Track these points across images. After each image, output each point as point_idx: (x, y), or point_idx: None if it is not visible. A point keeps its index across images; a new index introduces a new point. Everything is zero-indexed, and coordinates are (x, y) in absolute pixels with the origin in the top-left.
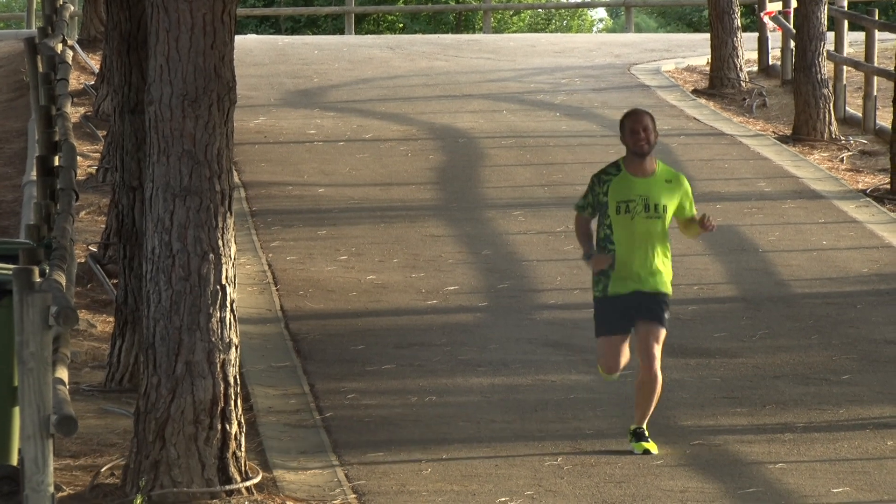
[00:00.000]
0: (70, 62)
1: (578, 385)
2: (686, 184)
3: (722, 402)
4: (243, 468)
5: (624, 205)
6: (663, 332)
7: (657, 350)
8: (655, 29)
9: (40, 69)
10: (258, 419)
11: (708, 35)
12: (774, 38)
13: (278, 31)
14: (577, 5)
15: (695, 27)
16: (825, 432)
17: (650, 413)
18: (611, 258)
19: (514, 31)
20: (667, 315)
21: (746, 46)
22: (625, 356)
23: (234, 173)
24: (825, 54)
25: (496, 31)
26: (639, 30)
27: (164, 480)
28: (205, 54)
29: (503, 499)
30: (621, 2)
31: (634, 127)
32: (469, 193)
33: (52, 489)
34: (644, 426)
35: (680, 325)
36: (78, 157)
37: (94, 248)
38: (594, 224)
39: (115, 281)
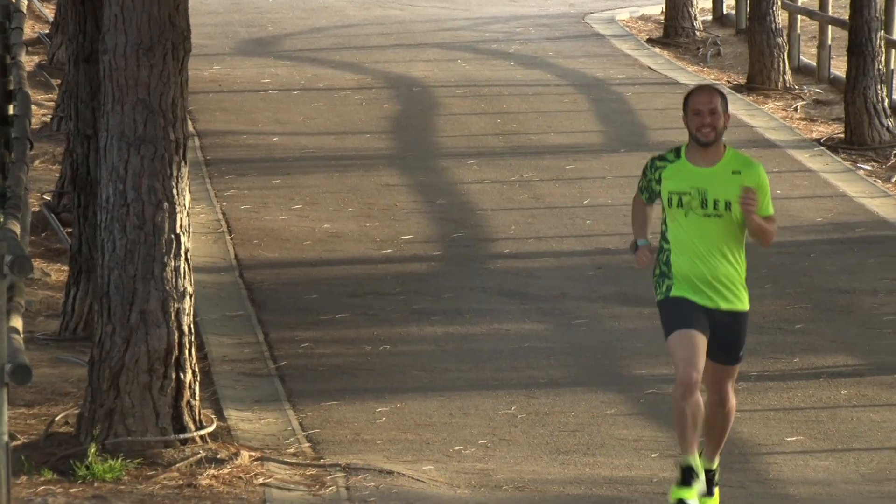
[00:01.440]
0: (24, 11)
1: (532, 334)
2: (762, 176)
3: None
4: (197, 417)
5: (677, 197)
6: (738, 368)
7: (730, 386)
8: None
9: None
10: (212, 368)
11: None
12: None
13: None
14: None
15: None
16: (779, 381)
17: (723, 445)
18: (652, 260)
19: None
20: (744, 348)
21: None
22: (703, 359)
23: (189, 122)
24: (779, 3)
25: None
26: None
27: (119, 429)
28: (159, 3)
29: (457, 447)
30: None
31: (698, 108)
32: (424, 142)
33: (6, 438)
34: (716, 466)
35: (634, 273)
36: (32, 106)
37: (48, 197)
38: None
39: (70, 230)
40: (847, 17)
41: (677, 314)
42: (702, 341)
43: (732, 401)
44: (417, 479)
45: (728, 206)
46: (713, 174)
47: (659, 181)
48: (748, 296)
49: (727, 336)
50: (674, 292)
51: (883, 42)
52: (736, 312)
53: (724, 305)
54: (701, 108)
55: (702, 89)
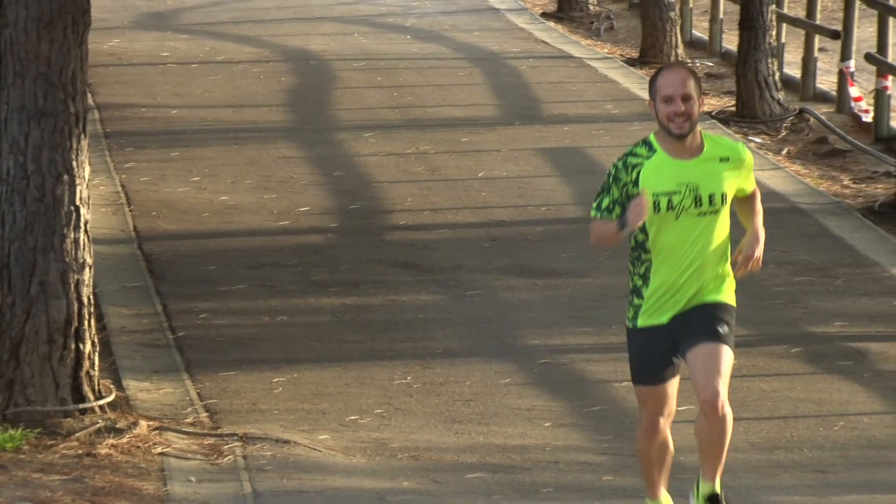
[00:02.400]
0: None
1: (428, 305)
2: (749, 158)
3: (569, 321)
4: (97, 387)
5: (665, 198)
6: (728, 354)
7: (721, 382)
8: None
9: None
10: (111, 339)
11: None
12: None
13: None
14: None
15: None
16: None
17: (722, 464)
18: (648, 202)
19: None
20: (730, 331)
21: None
22: (673, 401)
23: (89, 95)
24: None
25: None
26: None
27: (19, 399)
28: None
29: (353, 417)
30: None
31: (669, 93)
32: (321, 115)
33: None
34: (718, 485)
35: (528, 245)
36: None
37: None
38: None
39: None
40: None
41: (641, 363)
42: (671, 390)
43: (726, 408)
44: (314, 449)
45: (724, 198)
46: (700, 166)
47: (637, 183)
48: (734, 289)
49: (705, 314)
50: (640, 322)
51: (774, 16)
52: (715, 301)
53: (704, 299)
54: (672, 93)
55: (672, 71)
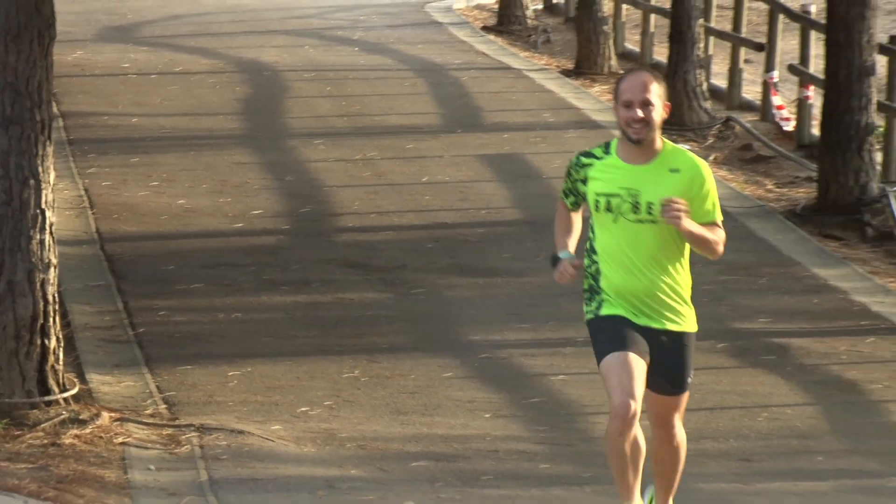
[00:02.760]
0: None
1: (375, 303)
2: (704, 176)
3: (508, 318)
4: (61, 380)
5: (605, 199)
6: (686, 398)
7: (678, 418)
8: None
9: None
10: (75, 335)
11: None
12: None
13: None
14: None
15: None
16: None
17: (676, 486)
18: (574, 275)
19: None
20: (691, 374)
21: None
22: (642, 385)
23: (54, 104)
24: None
25: None
26: None
27: None
28: None
29: (304, 408)
30: None
31: (629, 98)
32: (273, 123)
33: None
34: None
35: (469, 246)
36: None
37: None
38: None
39: None
40: (669, 6)
41: (611, 334)
42: (640, 365)
43: (681, 435)
44: (267, 439)
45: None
46: (647, 173)
47: (585, 181)
48: (694, 314)
49: (669, 361)
50: (605, 310)
51: (702, 29)
52: (679, 334)
53: (664, 326)
54: (632, 98)
55: (634, 76)
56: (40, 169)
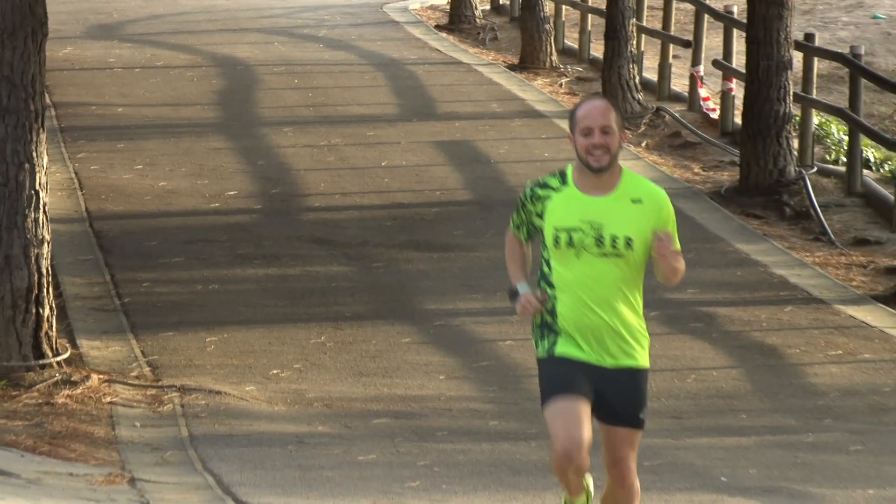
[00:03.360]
0: None
1: (339, 275)
2: (666, 206)
3: (460, 289)
4: (54, 346)
5: (565, 234)
6: (640, 435)
7: (632, 458)
8: None
9: None
10: (67, 304)
11: None
12: None
13: None
14: None
15: None
16: None
17: None
18: (539, 307)
19: None
20: (645, 410)
21: None
22: (588, 430)
23: (46, 95)
24: None
25: None
26: None
27: None
28: None
29: (275, 371)
30: None
31: (588, 125)
32: (246, 113)
33: None
34: None
35: (424, 224)
36: None
37: None
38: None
39: None
40: (604, 7)
41: (557, 379)
42: (585, 409)
43: (633, 479)
44: (241, 398)
45: (629, 243)
46: (609, 205)
47: (542, 215)
48: (648, 347)
49: (623, 396)
50: (558, 350)
51: (635, 28)
52: (634, 370)
53: (619, 362)
54: (591, 125)
55: (592, 103)
56: (34, 154)
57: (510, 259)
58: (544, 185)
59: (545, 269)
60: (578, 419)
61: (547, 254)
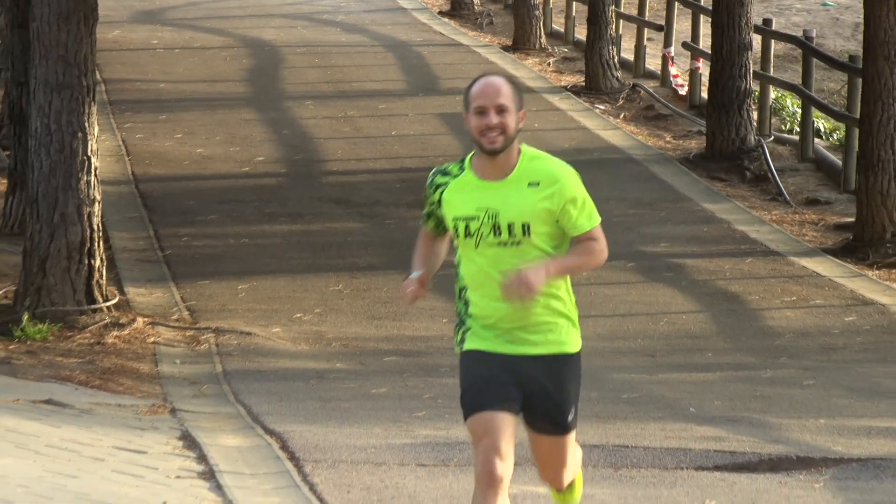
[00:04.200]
0: None
1: (354, 231)
2: (569, 186)
3: None
4: (105, 292)
5: (463, 224)
6: (571, 442)
7: (566, 472)
8: None
9: None
10: (116, 256)
11: None
12: None
13: None
14: None
15: None
16: None
17: None
18: (416, 293)
19: None
20: (574, 410)
21: None
22: (509, 444)
23: (97, 72)
24: None
25: None
26: None
27: (45, 301)
28: None
29: (298, 315)
30: None
31: (482, 104)
32: (272, 88)
33: None
34: None
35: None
36: None
37: None
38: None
39: (8, 153)
40: None
41: (476, 388)
42: (508, 421)
43: (568, 478)
44: (268, 339)
45: (526, 229)
46: (504, 189)
47: (440, 203)
48: (577, 334)
49: (548, 390)
50: (469, 344)
51: (614, 14)
52: (554, 357)
53: (539, 350)
54: (485, 104)
55: (487, 80)
56: (86, 124)
57: (416, 252)
58: (444, 173)
59: (457, 258)
60: (499, 434)
61: (456, 245)
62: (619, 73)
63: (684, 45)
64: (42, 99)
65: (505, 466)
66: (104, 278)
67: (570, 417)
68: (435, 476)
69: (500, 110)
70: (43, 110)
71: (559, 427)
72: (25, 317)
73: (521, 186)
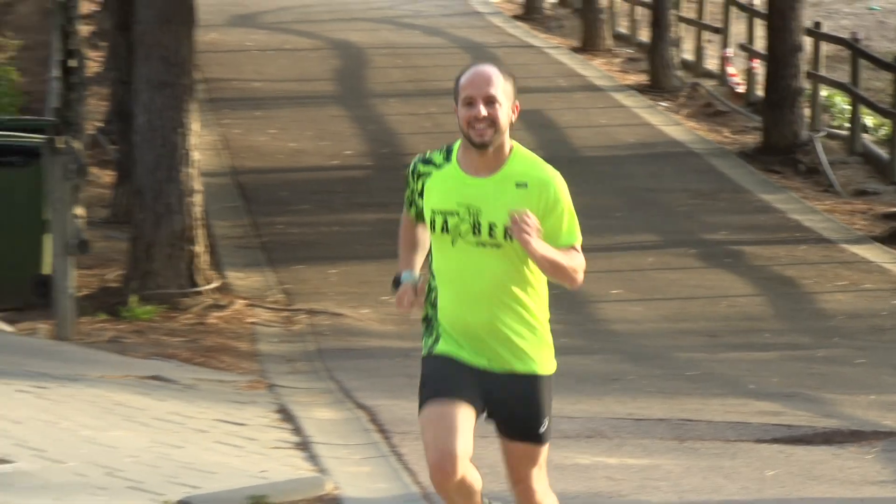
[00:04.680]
0: None
1: None
2: (557, 191)
3: None
4: (206, 276)
5: (441, 217)
6: (544, 451)
7: (535, 477)
8: None
9: None
10: (216, 243)
11: None
12: None
13: None
14: None
15: None
16: (605, 252)
17: None
18: (418, 302)
19: None
20: (545, 424)
21: None
22: (465, 439)
23: (197, 72)
24: None
25: None
26: None
27: (151, 285)
28: None
29: (385, 297)
30: None
31: (470, 95)
32: (358, 87)
33: (72, 290)
34: None
35: None
36: (86, 61)
37: (99, 124)
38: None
39: (114, 147)
40: (649, 0)
41: (436, 382)
42: (464, 415)
43: (540, 499)
44: (358, 319)
45: (507, 233)
46: (489, 187)
47: (422, 193)
48: (550, 353)
49: (517, 406)
50: (438, 348)
51: (675, 17)
52: (526, 376)
53: (508, 367)
54: (473, 94)
55: (476, 70)
56: (187, 120)
57: (400, 242)
58: (427, 161)
59: (430, 255)
60: (452, 427)
61: (431, 238)
62: (680, 73)
63: (741, 46)
64: (145, 97)
65: (454, 461)
66: (206, 263)
67: (542, 430)
68: None
69: (490, 101)
70: (146, 107)
71: (530, 436)
72: (133, 299)
73: (508, 186)
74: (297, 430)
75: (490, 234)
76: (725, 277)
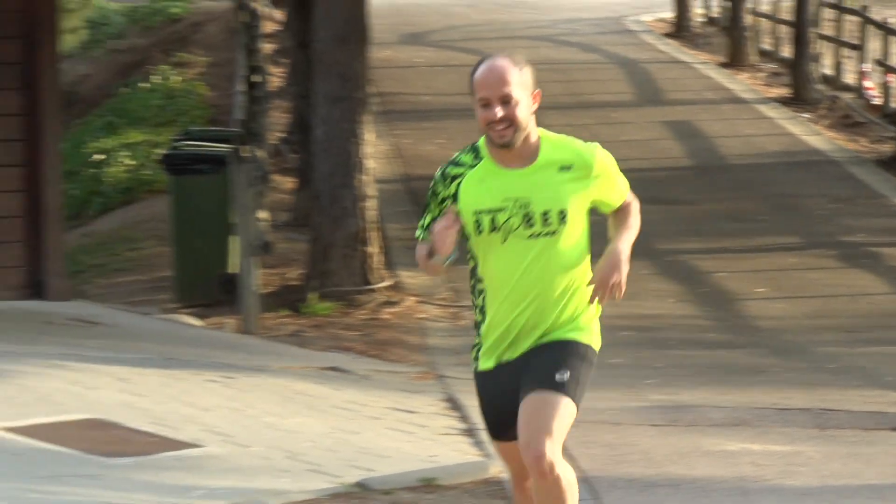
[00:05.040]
0: (261, 14)
1: None
2: (598, 161)
3: (685, 233)
4: (379, 275)
5: (488, 217)
6: (563, 406)
7: (549, 440)
8: None
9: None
10: (389, 244)
11: None
12: None
13: None
14: None
15: None
16: (750, 253)
17: None
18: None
19: None
20: (573, 378)
21: (698, 4)
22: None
23: (372, 87)
24: (745, 10)
25: None
26: None
27: (328, 283)
28: (350, 9)
29: None
30: None
31: (485, 96)
32: None
33: (257, 288)
34: None
35: (656, 184)
36: (269, 77)
37: (282, 135)
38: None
39: (295, 155)
40: (791, 19)
41: (486, 414)
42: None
43: (558, 467)
44: None
45: (563, 216)
46: (533, 176)
47: (456, 198)
48: (596, 329)
49: (542, 353)
50: (482, 365)
51: (815, 35)
52: (564, 341)
53: (553, 336)
54: (488, 95)
55: (488, 66)
56: (362, 130)
57: (420, 253)
58: (456, 164)
59: (471, 261)
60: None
61: (471, 246)
62: (820, 86)
63: (877, 62)
64: (323, 110)
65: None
66: (380, 263)
67: (565, 378)
68: (665, 434)
69: (506, 101)
70: (323, 120)
71: (551, 384)
72: (313, 296)
73: (553, 171)
74: (464, 418)
75: (545, 223)
76: (864, 277)
